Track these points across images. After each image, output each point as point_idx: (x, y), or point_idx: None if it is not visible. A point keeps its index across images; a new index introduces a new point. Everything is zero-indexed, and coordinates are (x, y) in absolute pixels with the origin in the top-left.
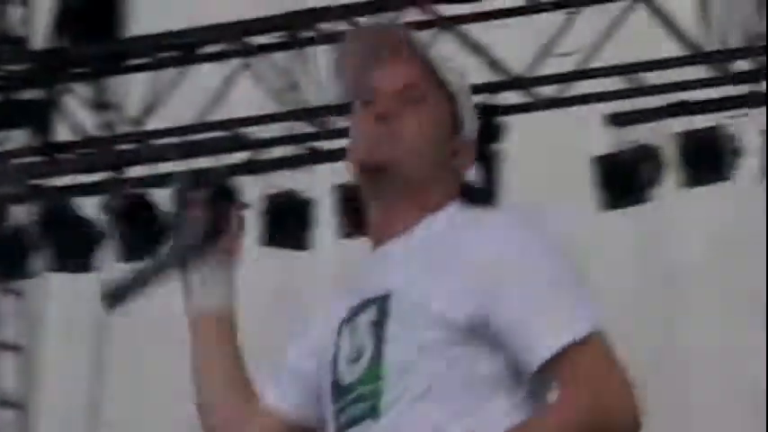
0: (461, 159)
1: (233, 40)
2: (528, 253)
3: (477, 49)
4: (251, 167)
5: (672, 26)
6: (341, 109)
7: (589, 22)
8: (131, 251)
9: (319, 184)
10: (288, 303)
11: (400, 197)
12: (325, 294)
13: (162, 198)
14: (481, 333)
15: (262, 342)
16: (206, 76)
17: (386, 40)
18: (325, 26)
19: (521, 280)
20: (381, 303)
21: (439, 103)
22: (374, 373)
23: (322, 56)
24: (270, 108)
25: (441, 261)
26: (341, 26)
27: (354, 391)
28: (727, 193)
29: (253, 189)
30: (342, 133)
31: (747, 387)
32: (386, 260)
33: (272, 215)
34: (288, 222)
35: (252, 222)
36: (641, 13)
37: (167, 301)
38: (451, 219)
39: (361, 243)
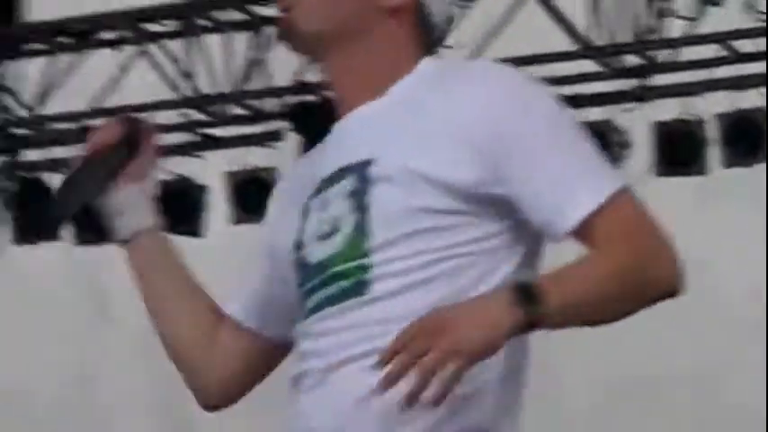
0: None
1: (129, 27)
2: (532, 109)
3: None
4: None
5: (562, 20)
6: (233, 97)
7: (481, 15)
8: (26, 234)
9: (211, 171)
10: None
11: (335, 54)
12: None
13: (57, 182)
14: (487, 198)
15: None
16: (102, 62)
17: None
18: (219, 14)
19: (533, 141)
20: (361, 170)
21: None
22: (357, 246)
23: (215, 44)
24: (165, 95)
25: (427, 120)
26: (234, 15)
27: (330, 268)
28: None
29: None
30: (234, 120)
31: None
32: (359, 126)
33: (165, 201)
34: (181, 208)
35: None
36: (532, 7)
37: None
38: (422, 75)
39: (253, 230)
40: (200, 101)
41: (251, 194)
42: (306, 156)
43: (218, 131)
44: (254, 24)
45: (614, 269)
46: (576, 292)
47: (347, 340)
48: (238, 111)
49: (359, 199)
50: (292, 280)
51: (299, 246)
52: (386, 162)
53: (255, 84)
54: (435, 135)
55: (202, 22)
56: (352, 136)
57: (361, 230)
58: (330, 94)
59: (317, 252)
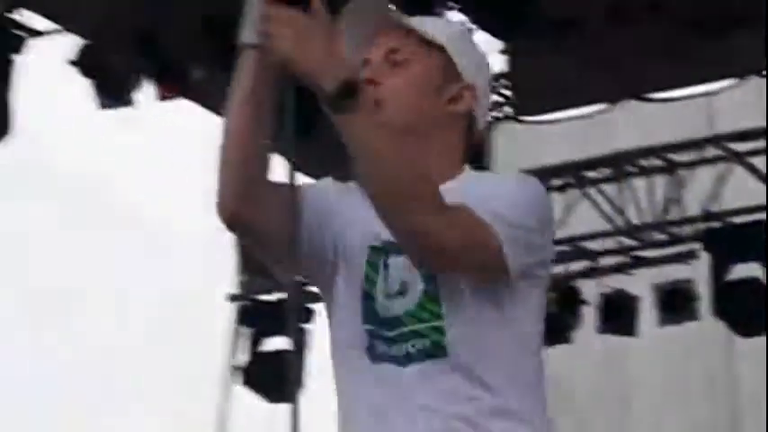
0: (462, 103)
1: (572, 175)
2: (512, 192)
3: None
4: (589, 273)
5: None
6: (656, 226)
7: None
8: None
9: (641, 284)
10: None
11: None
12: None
13: None
14: None
15: None
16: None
17: (376, 22)
18: (643, 162)
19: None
20: None
21: (424, 60)
22: (429, 311)
23: (641, 185)
24: (602, 227)
25: (469, 201)
26: (655, 162)
27: (405, 326)
28: None
29: (590, 289)
30: (658, 244)
31: None
32: None
33: (605, 309)
34: (618, 314)
35: (589, 315)
36: None
37: None
38: (465, 179)
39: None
40: (630, 230)
41: (673, 302)
42: (357, 189)
43: (645, 253)
44: (670, 169)
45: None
46: (376, 149)
47: (423, 394)
48: (660, 236)
49: (425, 270)
50: (322, 244)
51: (367, 293)
52: None
53: (673, 214)
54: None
55: (630, 168)
56: None
57: (432, 296)
58: None
59: (390, 307)
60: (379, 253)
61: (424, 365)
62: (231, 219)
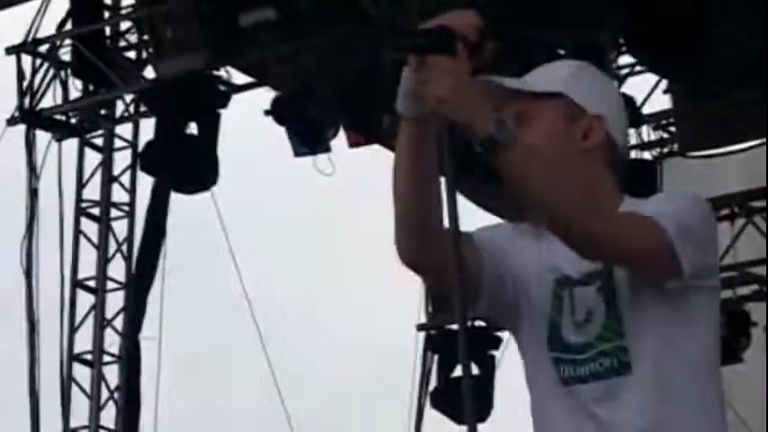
0: (595, 134)
1: (739, 205)
2: (679, 200)
3: None
4: (757, 296)
5: None
6: None
7: None
8: None
9: None
10: None
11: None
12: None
13: None
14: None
15: None
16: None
17: (499, 91)
18: None
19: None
20: (606, 277)
21: (547, 111)
22: (616, 331)
23: None
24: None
25: None
26: None
27: (593, 349)
28: None
29: (759, 311)
30: None
31: None
32: None
33: None
34: None
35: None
36: None
37: None
38: (625, 206)
39: None
40: None
41: None
42: (531, 231)
43: None
44: None
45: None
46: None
47: (611, 410)
48: None
49: (608, 295)
50: (500, 283)
51: (553, 322)
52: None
53: None
54: None
55: None
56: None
57: (615, 320)
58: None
59: (577, 333)
60: (563, 286)
61: (611, 382)
62: (408, 263)
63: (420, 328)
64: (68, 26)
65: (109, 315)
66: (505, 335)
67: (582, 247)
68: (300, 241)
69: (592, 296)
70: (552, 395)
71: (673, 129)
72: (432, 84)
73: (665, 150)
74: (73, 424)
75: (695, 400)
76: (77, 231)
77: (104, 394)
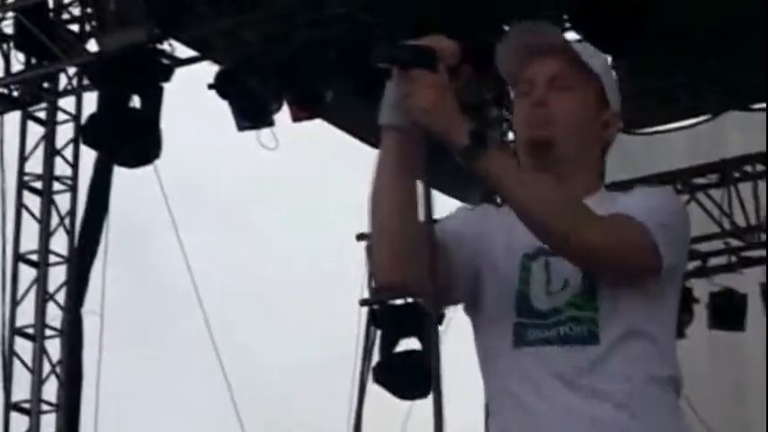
0: (611, 129)
1: (683, 182)
2: (658, 198)
3: None
4: (699, 273)
5: None
6: (760, 228)
7: None
8: None
9: (749, 283)
10: None
11: (559, 170)
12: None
13: None
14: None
15: None
16: None
17: (538, 41)
18: (748, 168)
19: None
20: None
21: (584, 87)
22: (590, 304)
23: (747, 189)
24: (711, 229)
25: (614, 209)
26: (759, 168)
27: (564, 313)
28: None
29: (701, 288)
30: (763, 245)
31: None
32: None
33: (715, 307)
34: (730, 312)
35: (700, 313)
36: None
37: None
38: (600, 194)
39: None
40: (737, 232)
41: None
42: (498, 210)
43: (752, 253)
44: None
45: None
46: (509, 182)
47: (570, 374)
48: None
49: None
50: (456, 269)
51: (521, 292)
52: None
53: None
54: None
55: (736, 174)
56: None
57: (590, 292)
58: None
59: (549, 301)
60: (536, 257)
61: (578, 348)
62: (388, 284)
63: (363, 303)
64: None
65: (51, 289)
66: (449, 312)
67: (573, 256)
68: (242, 215)
69: (569, 266)
70: (513, 358)
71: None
72: (415, 96)
73: None
74: (15, 398)
75: (657, 374)
76: (20, 205)
77: (46, 368)
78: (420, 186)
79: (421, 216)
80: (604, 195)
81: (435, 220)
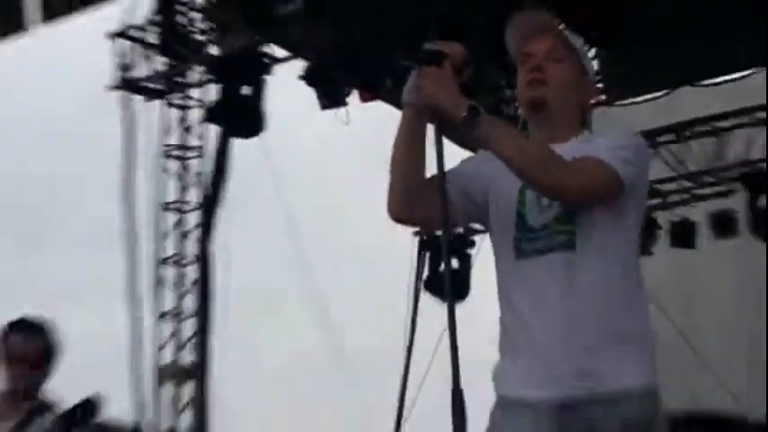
0: (589, 91)
1: (649, 139)
2: (623, 136)
3: None
4: (662, 206)
5: None
6: (709, 173)
7: None
8: None
9: (699, 212)
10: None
11: (552, 120)
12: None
13: None
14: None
15: None
16: None
17: (536, 24)
18: (700, 128)
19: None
20: None
21: (570, 59)
22: (570, 221)
23: (696, 145)
24: (670, 174)
25: (592, 148)
26: (706, 128)
27: (549, 229)
28: None
29: (663, 218)
30: (708, 185)
31: None
32: (561, 152)
33: (674, 232)
34: (683, 234)
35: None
36: None
37: None
38: (582, 137)
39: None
40: (689, 176)
41: (721, 224)
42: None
43: (700, 191)
44: (716, 132)
45: (540, 162)
46: (501, 141)
47: (556, 271)
48: (710, 179)
49: None
50: (469, 201)
51: (520, 213)
52: None
53: (719, 163)
54: (597, 152)
55: (687, 133)
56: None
57: (568, 210)
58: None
59: (540, 218)
60: (528, 187)
61: (561, 254)
62: (397, 219)
63: (415, 234)
64: (148, 15)
65: (189, 228)
66: (478, 239)
67: (552, 195)
68: (325, 173)
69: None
70: (514, 270)
71: (600, 84)
72: (424, 87)
73: (594, 101)
74: (163, 308)
75: (624, 274)
76: (163, 168)
77: (186, 287)
78: (433, 147)
79: (434, 170)
80: (588, 137)
81: (447, 172)
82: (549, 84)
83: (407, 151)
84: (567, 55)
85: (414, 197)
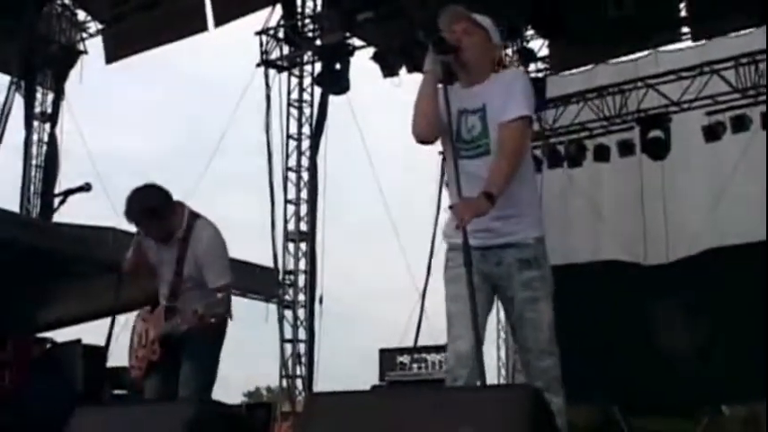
0: (497, 52)
1: (581, 96)
2: (516, 81)
3: None
4: (589, 137)
5: None
6: (618, 116)
7: None
8: None
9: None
10: None
11: (472, 70)
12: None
13: None
14: None
15: None
16: None
17: (456, 13)
18: (613, 89)
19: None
20: (483, 109)
21: (480, 33)
22: (485, 135)
23: (611, 100)
24: (593, 116)
25: (498, 92)
26: (616, 90)
27: (476, 141)
28: None
29: (590, 143)
30: (617, 125)
31: None
32: (476, 93)
33: (595, 151)
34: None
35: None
36: None
37: None
38: (495, 76)
39: None
40: (606, 118)
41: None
42: (453, 89)
43: (615, 128)
44: (619, 93)
45: (510, 163)
46: (501, 182)
47: (480, 168)
48: (618, 120)
49: (483, 118)
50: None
51: (458, 127)
52: (491, 106)
53: (620, 110)
54: (505, 94)
55: (606, 93)
56: (477, 95)
57: (486, 131)
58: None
59: (469, 134)
60: (463, 113)
61: (483, 158)
62: (421, 140)
63: (439, 153)
64: (275, 20)
65: (303, 149)
66: None
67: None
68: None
69: (477, 118)
70: (455, 165)
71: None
72: (436, 67)
73: (549, 72)
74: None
75: (523, 177)
76: (288, 116)
77: (302, 196)
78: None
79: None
80: (496, 77)
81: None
82: (466, 50)
83: (428, 97)
84: (477, 31)
85: (432, 125)
